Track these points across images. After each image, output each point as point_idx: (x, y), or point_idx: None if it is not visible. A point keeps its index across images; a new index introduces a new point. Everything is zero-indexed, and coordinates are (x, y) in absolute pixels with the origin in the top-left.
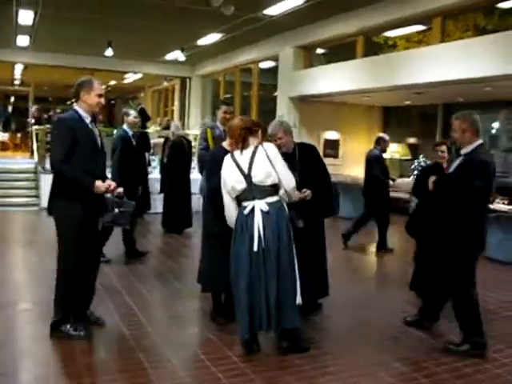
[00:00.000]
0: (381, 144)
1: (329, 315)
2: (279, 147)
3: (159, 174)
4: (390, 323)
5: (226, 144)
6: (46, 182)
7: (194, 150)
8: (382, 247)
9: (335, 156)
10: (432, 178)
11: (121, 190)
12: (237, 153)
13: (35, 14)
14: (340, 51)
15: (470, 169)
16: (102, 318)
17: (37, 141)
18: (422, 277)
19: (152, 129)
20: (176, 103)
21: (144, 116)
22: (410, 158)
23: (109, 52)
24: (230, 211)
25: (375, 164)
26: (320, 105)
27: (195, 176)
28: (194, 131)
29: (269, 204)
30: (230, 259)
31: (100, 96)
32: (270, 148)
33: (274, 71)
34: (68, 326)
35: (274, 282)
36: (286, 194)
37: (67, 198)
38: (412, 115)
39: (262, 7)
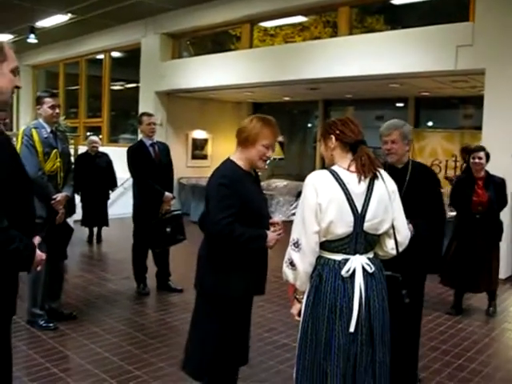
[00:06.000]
0: None
1: None
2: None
3: None
4: None
5: (236, 158)
6: None
7: None
8: None
9: (204, 157)
10: None
11: None
12: (346, 174)
13: None
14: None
15: None
16: None
17: None
18: None
19: None
20: None
21: None
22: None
23: None
24: (305, 265)
25: None
26: (186, 101)
27: None
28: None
29: (371, 261)
30: (302, 349)
31: None
32: (389, 178)
33: (131, 63)
34: None
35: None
36: (396, 247)
37: None
38: (285, 111)
39: None
